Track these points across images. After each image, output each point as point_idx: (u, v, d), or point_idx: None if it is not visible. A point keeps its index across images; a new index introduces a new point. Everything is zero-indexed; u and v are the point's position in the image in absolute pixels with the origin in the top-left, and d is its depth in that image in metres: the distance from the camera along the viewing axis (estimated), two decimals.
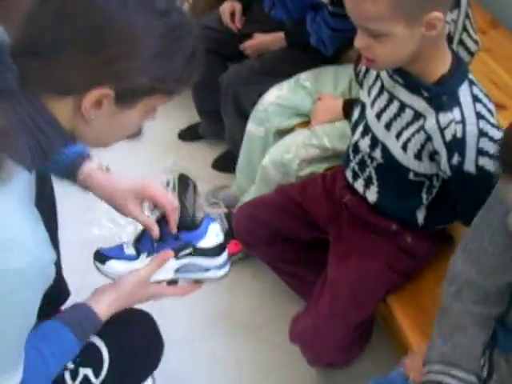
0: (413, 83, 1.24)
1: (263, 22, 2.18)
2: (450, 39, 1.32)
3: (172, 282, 1.30)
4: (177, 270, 1.26)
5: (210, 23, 2.24)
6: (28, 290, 0.92)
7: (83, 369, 1.22)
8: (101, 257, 1.26)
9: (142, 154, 2.46)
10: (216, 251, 1.28)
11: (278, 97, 1.94)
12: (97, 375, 1.23)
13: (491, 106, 1.24)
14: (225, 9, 2.22)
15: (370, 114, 1.38)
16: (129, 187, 1.26)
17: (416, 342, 1.41)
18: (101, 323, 1.16)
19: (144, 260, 1.25)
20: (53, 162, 1.20)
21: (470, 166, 1.21)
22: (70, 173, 1.26)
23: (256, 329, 1.91)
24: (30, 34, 0.88)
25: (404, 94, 1.27)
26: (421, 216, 1.44)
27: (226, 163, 2.34)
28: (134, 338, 1.28)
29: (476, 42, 1.47)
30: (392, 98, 1.30)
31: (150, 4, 0.87)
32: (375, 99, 1.36)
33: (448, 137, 1.21)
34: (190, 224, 2.17)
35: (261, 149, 1.97)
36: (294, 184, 1.75)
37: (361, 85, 1.45)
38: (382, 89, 1.33)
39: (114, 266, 1.25)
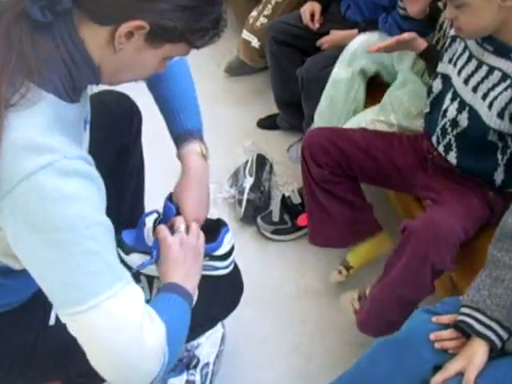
0: (502, 48, 1.40)
1: (339, 22, 2.32)
2: None
3: None
4: None
5: (291, 20, 2.40)
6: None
7: None
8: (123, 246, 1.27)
9: (222, 139, 2.57)
10: (227, 255, 1.34)
11: (366, 40, 2.04)
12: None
13: None
14: (305, 9, 2.37)
15: (457, 80, 1.52)
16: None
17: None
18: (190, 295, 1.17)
19: None
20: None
21: None
22: (174, 143, 1.36)
23: (319, 294, 2.05)
24: None
25: (493, 59, 1.43)
26: (498, 178, 1.55)
27: None
28: (219, 279, 1.37)
29: None
30: (481, 63, 1.46)
31: None
32: (462, 67, 1.51)
33: None
34: (262, 205, 2.37)
35: (345, 91, 2.06)
36: (379, 134, 1.84)
37: (440, 58, 1.61)
38: (471, 57, 1.49)
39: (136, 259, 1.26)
